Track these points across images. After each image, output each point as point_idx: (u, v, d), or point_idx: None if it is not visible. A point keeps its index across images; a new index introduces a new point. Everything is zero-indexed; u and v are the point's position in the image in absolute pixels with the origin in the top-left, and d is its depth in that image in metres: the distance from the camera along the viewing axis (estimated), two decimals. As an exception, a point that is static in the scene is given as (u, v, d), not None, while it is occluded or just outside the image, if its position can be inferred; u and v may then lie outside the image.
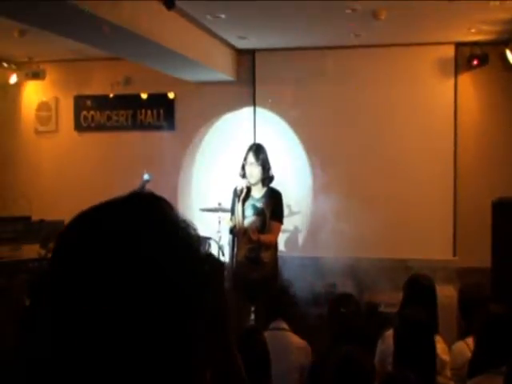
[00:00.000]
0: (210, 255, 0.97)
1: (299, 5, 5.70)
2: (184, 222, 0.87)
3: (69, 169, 8.28)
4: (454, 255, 7.22)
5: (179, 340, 0.80)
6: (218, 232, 6.55)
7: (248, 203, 5.42)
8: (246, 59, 7.85)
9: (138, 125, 8.21)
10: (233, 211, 5.49)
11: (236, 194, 5.41)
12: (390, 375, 2.91)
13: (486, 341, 3.26)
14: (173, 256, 0.82)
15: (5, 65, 8.18)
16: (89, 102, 8.33)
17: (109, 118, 8.29)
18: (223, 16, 6.18)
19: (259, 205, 5.41)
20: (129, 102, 8.18)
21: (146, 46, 5.73)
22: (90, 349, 0.77)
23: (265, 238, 5.31)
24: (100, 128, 8.31)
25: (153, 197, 0.89)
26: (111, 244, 0.80)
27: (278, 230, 5.47)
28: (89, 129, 8.36)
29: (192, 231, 0.87)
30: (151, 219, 0.84)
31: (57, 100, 8.49)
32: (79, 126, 8.39)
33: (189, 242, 0.85)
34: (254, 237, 5.22)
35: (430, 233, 7.17)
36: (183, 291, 0.81)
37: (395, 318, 3.86)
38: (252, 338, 3.20)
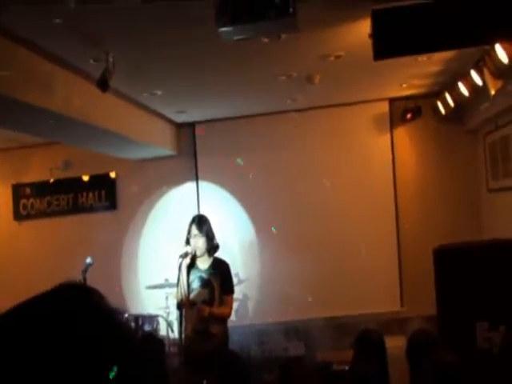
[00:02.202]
0: (150, 335, 0.92)
1: (234, 76, 5.75)
2: (116, 310, 0.86)
3: (10, 259, 8.03)
4: (402, 306, 7.26)
5: None
6: (167, 308, 6.41)
7: (194, 275, 5.30)
8: (186, 132, 7.86)
9: (79, 208, 8.07)
10: (178, 283, 5.35)
11: (181, 260, 5.29)
12: None
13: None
14: (109, 339, 0.80)
15: None
16: (28, 190, 8.17)
17: (49, 204, 8.11)
18: (159, 92, 6.19)
19: (206, 276, 5.30)
20: (69, 186, 8.07)
21: (81, 128, 5.66)
22: None
23: (217, 310, 5.17)
24: (40, 215, 8.13)
25: (83, 287, 0.87)
26: (44, 331, 0.77)
27: (231, 303, 5.35)
28: (28, 217, 8.16)
29: (124, 321, 0.83)
30: (84, 307, 0.82)
31: (-6, 190, 8.28)
32: (18, 215, 8.19)
33: (123, 326, 0.84)
34: (205, 312, 5.09)
35: (378, 287, 7.21)
36: (124, 372, 0.78)
37: (347, 375, 3.82)
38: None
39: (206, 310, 5.10)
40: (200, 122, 7.77)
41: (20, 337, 0.77)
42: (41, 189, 8.12)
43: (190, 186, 7.77)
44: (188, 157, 7.81)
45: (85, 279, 5.84)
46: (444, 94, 6.78)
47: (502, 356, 4.61)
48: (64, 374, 0.75)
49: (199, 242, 5.27)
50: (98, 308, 0.83)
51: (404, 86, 6.91)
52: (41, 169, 8.11)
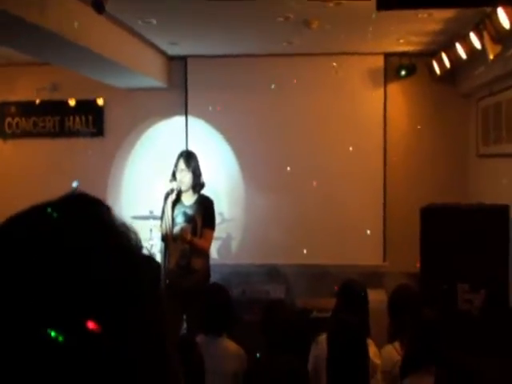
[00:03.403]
0: (150, 256, 0.91)
1: (231, 12, 5.69)
2: (123, 225, 0.80)
3: (-8, 176, 7.98)
4: (384, 260, 7.37)
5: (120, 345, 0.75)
6: (150, 240, 6.46)
7: (178, 210, 5.36)
8: (177, 66, 7.78)
9: (66, 131, 8.00)
10: (162, 217, 5.41)
11: (166, 196, 5.34)
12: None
13: (417, 343, 3.35)
14: (116, 261, 0.75)
15: None
16: (13, 109, 8.06)
17: (35, 125, 8.04)
18: (154, 21, 6.10)
19: (190, 212, 5.35)
20: (56, 109, 7.96)
21: (73, 50, 5.57)
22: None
23: (198, 241, 5.26)
24: (25, 135, 8.04)
25: (89, 200, 0.81)
26: (49, 258, 0.71)
27: (210, 237, 5.43)
28: (14, 136, 8.08)
29: (132, 235, 0.82)
30: (90, 227, 0.76)
31: (-20, 106, 8.18)
32: (3, 133, 8.09)
33: (131, 247, 0.78)
34: (187, 236, 5.17)
35: (361, 239, 7.30)
36: (131, 297, 0.73)
37: (329, 322, 3.90)
38: (186, 348, 3.14)
39: (189, 235, 5.19)
40: (192, 57, 7.68)
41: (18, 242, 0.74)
42: (27, 109, 8.00)
43: (178, 120, 7.74)
44: (178, 91, 7.74)
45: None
46: (440, 53, 6.76)
47: (481, 319, 4.77)
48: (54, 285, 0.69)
49: (186, 177, 5.31)
50: (106, 221, 0.79)
51: (401, 41, 6.88)
52: (27, 89, 7.97)
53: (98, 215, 0.79)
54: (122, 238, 0.78)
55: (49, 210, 0.78)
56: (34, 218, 0.77)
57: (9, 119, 8.08)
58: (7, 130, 8.09)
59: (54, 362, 0.64)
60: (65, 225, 0.75)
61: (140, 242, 0.82)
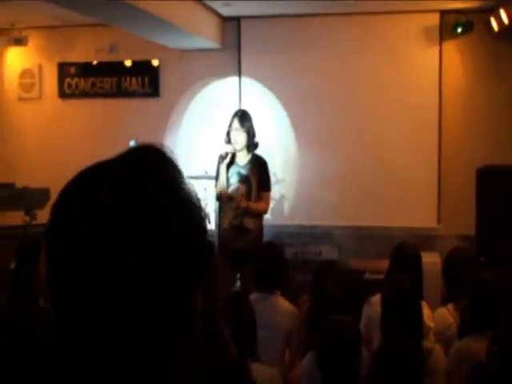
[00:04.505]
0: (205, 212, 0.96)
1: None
2: (184, 180, 0.88)
3: (52, 136, 8.20)
4: (439, 223, 7.29)
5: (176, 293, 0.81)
6: (204, 200, 6.57)
7: (233, 170, 5.43)
8: (231, 27, 7.79)
9: (122, 92, 8.13)
10: (217, 178, 5.49)
11: (220, 160, 5.42)
12: (387, 343, 2.98)
13: (475, 305, 3.37)
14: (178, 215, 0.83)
15: (-14, 31, 8.04)
16: (73, 69, 8.22)
17: (93, 85, 8.20)
18: (208, -19, 6.11)
19: (244, 172, 5.42)
20: (113, 69, 8.09)
21: (128, 11, 5.64)
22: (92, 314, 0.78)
23: (254, 205, 5.34)
24: (84, 95, 8.22)
25: (155, 154, 0.87)
26: (116, 219, 0.79)
27: (268, 199, 5.53)
28: (73, 96, 8.27)
29: (192, 192, 0.89)
30: (154, 184, 0.83)
31: (40, 67, 8.37)
32: (63, 93, 8.29)
33: (192, 206, 0.86)
34: (242, 204, 5.25)
35: (415, 202, 7.21)
36: (191, 251, 0.82)
37: (382, 284, 3.93)
38: (238, 304, 3.25)
39: (243, 201, 5.27)
40: (246, 17, 7.66)
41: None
42: (85, 69, 8.15)
43: (232, 80, 7.77)
44: (232, 51, 7.76)
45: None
46: (498, 10, 6.56)
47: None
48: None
49: (240, 137, 5.37)
50: (169, 176, 0.85)
51: (458, -3, 6.72)
52: (86, 50, 8.12)
53: (162, 171, 0.86)
54: (183, 193, 0.85)
55: (114, 166, 0.84)
56: (99, 175, 0.83)
57: (68, 79, 8.26)
58: (67, 90, 8.28)
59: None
60: (131, 180, 0.81)
61: (198, 197, 0.88)
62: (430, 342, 3.45)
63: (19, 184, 6.91)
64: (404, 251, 4.23)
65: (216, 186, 5.51)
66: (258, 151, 5.55)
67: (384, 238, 6.39)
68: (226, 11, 7.47)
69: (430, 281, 4.41)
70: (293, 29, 7.55)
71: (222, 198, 5.45)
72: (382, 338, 3.37)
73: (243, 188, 5.38)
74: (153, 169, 0.85)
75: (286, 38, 7.54)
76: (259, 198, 5.39)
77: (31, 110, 8.39)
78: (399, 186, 7.26)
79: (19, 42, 8.06)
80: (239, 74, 7.71)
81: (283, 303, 4.03)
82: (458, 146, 7.35)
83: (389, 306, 3.37)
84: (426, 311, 3.70)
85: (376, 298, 3.86)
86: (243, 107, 6.98)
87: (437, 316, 3.91)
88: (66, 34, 8.15)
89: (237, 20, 7.71)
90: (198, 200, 0.89)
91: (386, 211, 7.23)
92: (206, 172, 6.59)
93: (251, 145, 5.45)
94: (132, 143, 5.99)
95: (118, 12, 5.79)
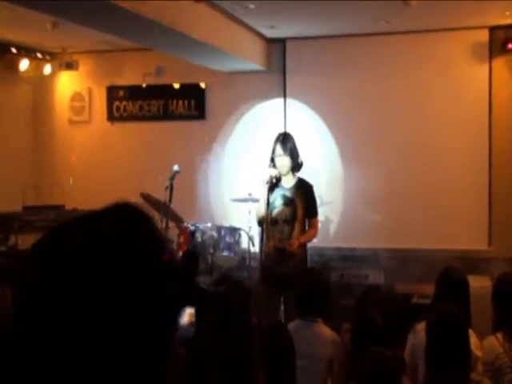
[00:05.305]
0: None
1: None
2: (159, 235, 0.88)
3: (101, 158, 8.37)
4: (490, 245, 7.08)
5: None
6: (249, 222, 6.57)
7: (277, 193, 5.42)
8: (276, 48, 7.81)
9: (169, 115, 8.25)
10: (261, 203, 5.48)
11: (266, 185, 5.42)
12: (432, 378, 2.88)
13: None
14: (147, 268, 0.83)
15: (39, 55, 8.27)
16: (121, 93, 8.39)
17: (141, 108, 8.34)
18: (252, 6, 6.15)
19: (289, 194, 5.41)
20: (160, 93, 8.22)
21: (174, 37, 5.75)
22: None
23: (304, 238, 5.34)
24: (132, 118, 8.37)
25: (130, 211, 0.88)
26: (92, 271, 0.80)
27: (317, 225, 5.56)
28: (121, 119, 8.43)
29: (167, 245, 0.89)
30: (134, 242, 0.84)
31: (90, 90, 8.58)
32: (112, 116, 8.47)
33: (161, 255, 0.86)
34: (293, 248, 5.22)
35: (465, 223, 7.05)
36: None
37: (428, 311, 3.82)
38: (277, 334, 3.21)
39: (295, 244, 5.24)
40: (291, 39, 7.68)
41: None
42: (134, 92, 8.31)
43: (277, 102, 7.79)
44: (277, 73, 7.78)
45: (171, 186, 6.07)
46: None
47: None
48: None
49: (284, 161, 5.37)
50: (147, 234, 0.86)
51: (507, 13, 6.56)
52: (134, 73, 8.28)
53: (138, 226, 0.86)
54: (156, 247, 0.86)
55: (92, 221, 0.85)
56: (78, 230, 0.84)
57: (117, 103, 8.43)
58: (115, 114, 8.45)
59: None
60: (107, 235, 0.82)
61: (172, 251, 0.89)
62: (478, 375, 3.32)
63: (68, 206, 7.05)
64: (451, 277, 4.08)
65: (259, 209, 5.48)
66: (304, 173, 5.53)
67: (433, 261, 6.24)
68: (271, 33, 7.51)
69: (479, 306, 4.27)
70: (338, 49, 7.53)
71: (266, 222, 5.43)
72: (426, 368, 3.26)
73: (287, 211, 5.36)
74: (126, 230, 0.85)
75: (331, 58, 7.52)
76: (306, 223, 5.39)
77: (81, 132, 8.59)
78: (448, 207, 7.10)
79: (70, 66, 8.30)
80: (284, 96, 7.72)
81: (324, 331, 3.98)
82: (509, 166, 7.15)
83: (434, 336, 3.26)
84: (473, 340, 3.57)
85: (421, 326, 3.75)
86: (288, 129, 6.98)
87: (485, 345, 3.76)
88: (113, 58, 8.34)
89: (282, 42, 7.74)
90: (172, 255, 0.91)
91: (435, 233, 7.06)
92: (249, 194, 6.59)
93: (296, 166, 5.45)
94: (175, 167, 6.06)
95: (163, 38, 5.88)
